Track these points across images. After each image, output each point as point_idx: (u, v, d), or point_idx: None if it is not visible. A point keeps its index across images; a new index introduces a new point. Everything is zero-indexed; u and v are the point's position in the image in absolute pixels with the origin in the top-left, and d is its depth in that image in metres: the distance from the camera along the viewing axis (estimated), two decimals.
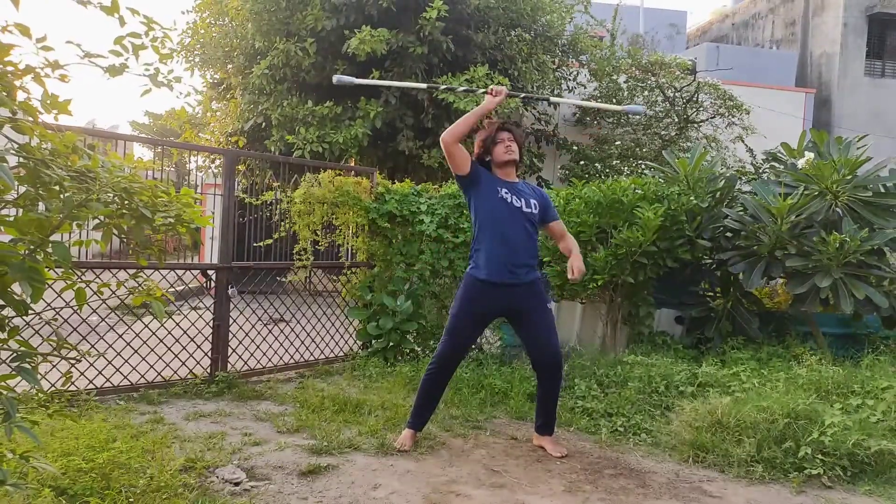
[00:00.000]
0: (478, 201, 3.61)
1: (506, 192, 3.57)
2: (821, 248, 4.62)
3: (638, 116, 11.71)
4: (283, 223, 5.46)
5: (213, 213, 5.04)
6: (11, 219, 1.70)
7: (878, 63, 16.07)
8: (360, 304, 5.71)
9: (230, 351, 4.92)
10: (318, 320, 5.55)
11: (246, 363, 5.05)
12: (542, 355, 3.66)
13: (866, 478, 3.40)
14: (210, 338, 4.83)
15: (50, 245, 1.67)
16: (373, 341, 5.60)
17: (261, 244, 5.40)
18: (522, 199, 3.60)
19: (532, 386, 4.63)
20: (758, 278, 4.91)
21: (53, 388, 3.61)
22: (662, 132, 11.46)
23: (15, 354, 1.71)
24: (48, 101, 1.74)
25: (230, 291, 4.99)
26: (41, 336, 2.25)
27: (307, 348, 5.49)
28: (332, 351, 5.69)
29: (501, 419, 4.26)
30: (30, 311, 1.70)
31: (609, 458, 3.66)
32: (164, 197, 1.93)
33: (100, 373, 4.26)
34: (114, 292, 2.26)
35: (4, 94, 1.62)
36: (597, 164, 10.87)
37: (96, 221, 1.85)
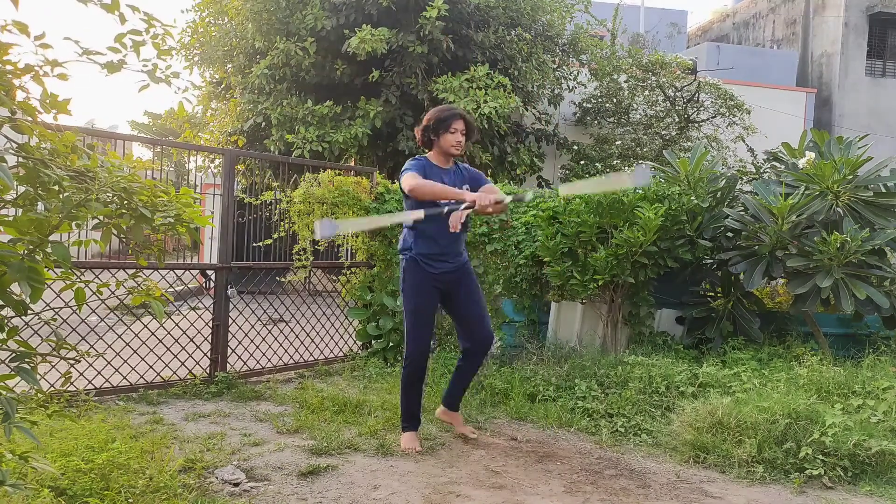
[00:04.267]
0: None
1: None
2: (822, 248, 4.61)
3: (638, 118, 11.72)
4: (282, 223, 5.46)
5: (213, 212, 5.03)
6: (10, 219, 1.70)
7: (878, 63, 16.06)
8: (360, 304, 5.71)
9: (229, 351, 4.92)
10: (318, 320, 5.54)
11: (245, 363, 5.04)
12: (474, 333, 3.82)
13: (867, 478, 3.39)
14: (209, 338, 4.83)
15: (49, 245, 1.66)
16: (372, 341, 5.60)
17: (260, 244, 5.39)
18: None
19: (532, 386, 4.64)
20: (759, 278, 4.90)
21: (53, 389, 3.61)
22: (663, 132, 11.45)
23: (14, 354, 1.71)
24: (47, 101, 1.73)
25: (230, 291, 4.98)
26: (40, 336, 2.25)
27: (307, 349, 5.49)
28: (331, 351, 5.68)
29: (501, 420, 4.26)
30: (29, 312, 1.69)
31: (609, 459, 3.65)
32: (163, 197, 1.92)
33: (99, 373, 4.26)
34: (113, 292, 2.25)
35: (3, 93, 1.61)
36: (597, 164, 10.85)
37: (95, 221, 1.84)
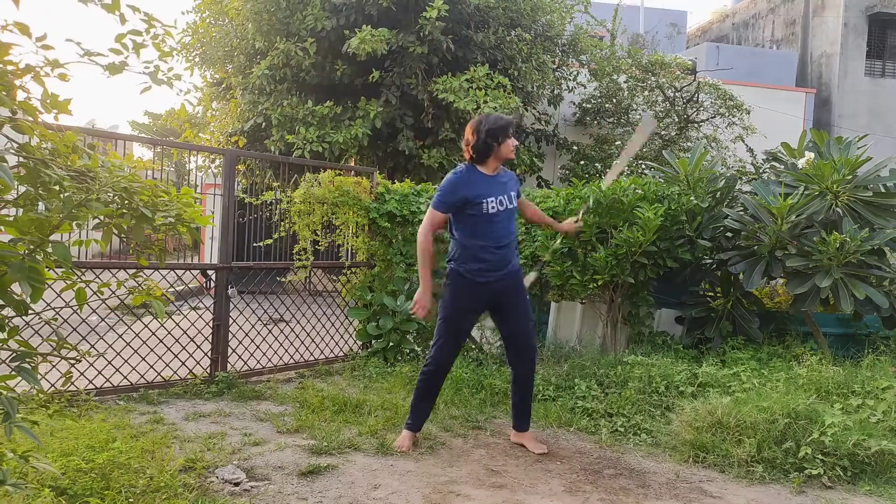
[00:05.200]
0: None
1: (491, 201, 3.55)
2: (821, 248, 4.61)
3: (639, 116, 11.72)
4: (283, 223, 5.46)
5: (213, 212, 5.04)
6: (11, 218, 1.70)
7: (878, 63, 16.06)
8: (360, 304, 5.71)
9: (230, 351, 4.92)
10: (318, 320, 5.55)
11: (246, 363, 5.05)
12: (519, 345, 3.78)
13: (866, 478, 3.40)
14: (210, 338, 4.83)
15: (50, 245, 1.67)
16: (373, 341, 5.60)
17: (261, 244, 5.39)
18: (505, 196, 3.62)
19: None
20: (758, 278, 4.90)
21: (53, 389, 3.62)
22: (662, 132, 11.45)
23: (15, 354, 1.71)
24: (48, 101, 1.73)
25: (230, 291, 4.99)
26: (41, 336, 2.25)
27: (307, 348, 5.49)
28: (331, 351, 5.69)
29: (501, 419, 4.26)
30: (29, 311, 1.69)
31: (609, 459, 3.65)
32: (164, 197, 1.92)
33: (99, 373, 4.26)
34: (114, 292, 2.26)
35: (4, 93, 1.62)
36: (597, 164, 10.87)
37: (96, 221, 1.84)
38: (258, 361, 5.14)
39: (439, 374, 3.70)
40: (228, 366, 4.89)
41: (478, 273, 3.55)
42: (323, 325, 5.59)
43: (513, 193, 3.65)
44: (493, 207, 3.52)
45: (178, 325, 4.66)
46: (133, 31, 1.87)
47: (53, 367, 2.01)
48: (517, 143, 3.69)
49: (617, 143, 11.27)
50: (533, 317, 3.85)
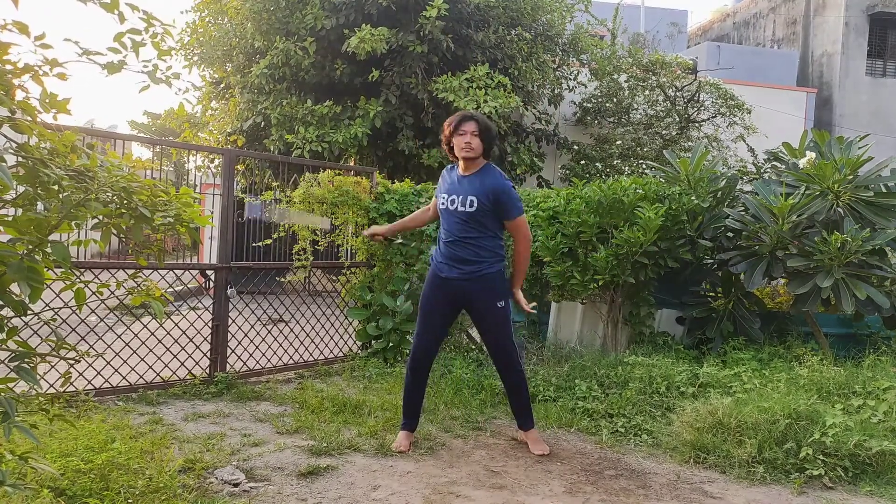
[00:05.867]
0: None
1: (444, 196, 3.65)
2: (822, 248, 4.61)
3: (639, 117, 11.71)
4: (282, 223, 5.45)
5: (212, 212, 5.03)
6: (10, 218, 1.69)
7: (879, 62, 16.05)
8: (360, 304, 5.70)
9: (229, 351, 4.91)
10: (318, 320, 5.54)
11: (245, 364, 5.04)
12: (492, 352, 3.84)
13: (868, 478, 3.39)
14: (209, 338, 4.82)
15: (49, 245, 1.66)
16: (372, 342, 5.59)
17: (260, 244, 5.38)
18: (460, 198, 3.58)
19: (533, 386, 4.63)
20: (759, 278, 4.89)
21: (52, 390, 3.61)
22: (663, 132, 11.45)
23: (14, 355, 1.70)
24: (47, 101, 1.72)
25: (229, 292, 4.98)
26: (40, 336, 2.24)
27: (306, 349, 5.48)
28: (331, 351, 5.68)
29: (502, 420, 4.25)
30: (28, 312, 1.68)
31: (610, 459, 3.65)
32: (163, 196, 1.91)
33: (98, 373, 4.25)
34: (113, 293, 2.25)
35: (3, 93, 1.61)
36: (597, 164, 10.86)
37: (95, 221, 1.83)
38: (257, 362, 5.13)
39: (418, 367, 3.73)
40: (228, 366, 4.88)
41: (437, 266, 3.72)
42: (322, 326, 5.58)
43: (471, 199, 3.53)
44: (442, 204, 3.66)
45: (177, 325, 4.65)
46: (132, 30, 1.86)
47: (52, 367, 2.00)
48: (470, 139, 3.52)
49: (617, 142, 11.27)
50: (512, 322, 3.85)
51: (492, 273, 3.63)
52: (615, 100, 11.78)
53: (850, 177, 4.91)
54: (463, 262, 3.61)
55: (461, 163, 3.64)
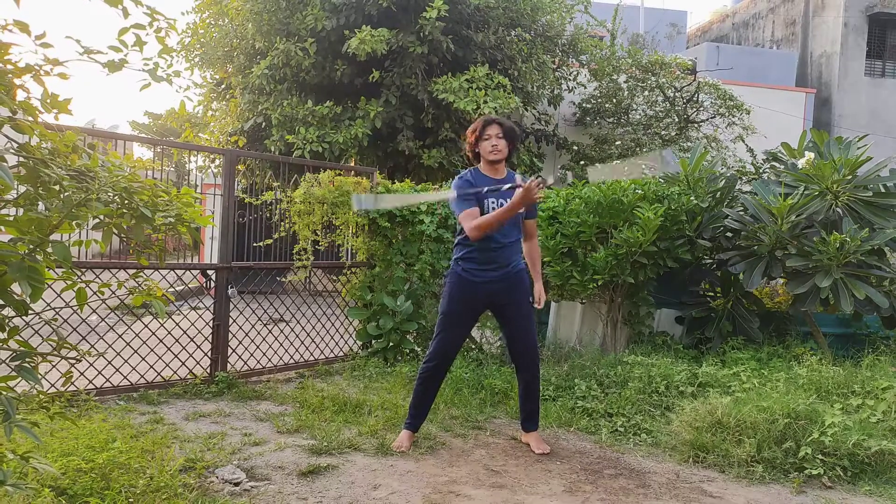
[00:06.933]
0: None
1: (493, 201, 3.58)
2: (821, 248, 4.61)
3: (638, 118, 11.72)
4: (283, 223, 5.46)
5: (213, 212, 5.04)
6: (11, 218, 1.70)
7: (878, 63, 16.07)
8: (360, 304, 5.71)
9: (230, 351, 4.92)
10: (318, 320, 5.55)
11: (246, 363, 5.04)
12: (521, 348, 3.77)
13: (867, 478, 3.39)
14: (210, 338, 4.83)
15: (50, 245, 1.66)
16: (373, 341, 5.60)
17: (261, 244, 5.40)
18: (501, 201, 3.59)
19: None
20: (758, 278, 4.90)
21: (54, 389, 3.61)
22: (663, 132, 11.46)
23: (15, 354, 1.71)
24: (48, 101, 1.73)
25: (230, 291, 4.99)
26: (41, 336, 2.25)
27: (307, 348, 5.49)
28: (331, 351, 5.69)
29: (501, 419, 4.26)
30: (29, 311, 1.69)
31: (609, 459, 3.65)
32: (164, 196, 1.92)
33: (99, 373, 4.26)
34: (114, 292, 2.26)
35: (4, 93, 1.62)
36: (597, 164, 10.87)
37: (96, 221, 1.84)
38: (258, 361, 5.14)
39: (438, 371, 3.71)
40: (228, 366, 4.89)
41: (472, 272, 3.61)
42: (323, 325, 5.59)
43: (503, 201, 3.56)
44: (490, 206, 3.56)
45: (178, 325, 4.66)
46: (136, 25, 1.86)
47: (53, 367, 2.00)
48: (497, 142, 3.58)
49: (617, 142, 11.28)
50: (534, 319, 3.83)
51: (523, 269, 3.75)
52: (614, 100, 11.80)
53: (849, 177, 4.91)
54: (505, 264, 3.64)
55: (487, 167, 3.66)
